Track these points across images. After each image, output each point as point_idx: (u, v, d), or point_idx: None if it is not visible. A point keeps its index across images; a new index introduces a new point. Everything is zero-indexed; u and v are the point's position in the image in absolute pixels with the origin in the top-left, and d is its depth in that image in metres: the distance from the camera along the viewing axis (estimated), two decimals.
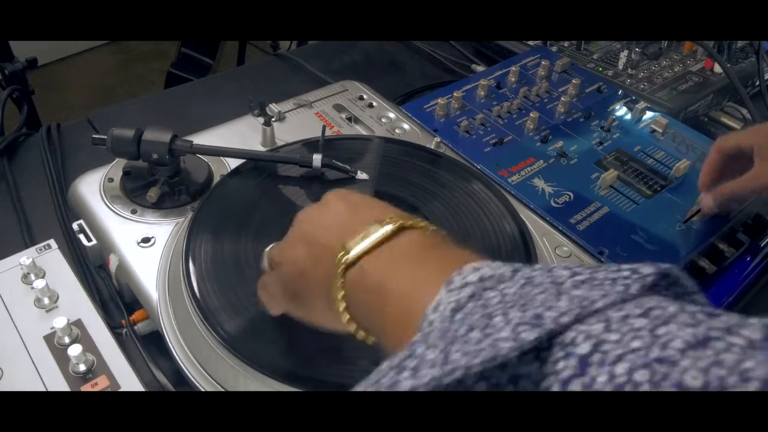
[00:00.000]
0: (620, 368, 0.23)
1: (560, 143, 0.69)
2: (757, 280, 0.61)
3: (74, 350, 0.44)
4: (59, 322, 0.46)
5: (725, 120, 0.83)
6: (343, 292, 0.35)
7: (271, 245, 0.43)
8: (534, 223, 0.59)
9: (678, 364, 0.22)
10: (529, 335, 0.25)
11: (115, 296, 0.56)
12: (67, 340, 0.46)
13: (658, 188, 0.65)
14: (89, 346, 0.46)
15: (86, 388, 0.43)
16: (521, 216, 0.57)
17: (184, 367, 0.46)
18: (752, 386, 0.20)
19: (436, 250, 0.34)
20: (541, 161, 0.67)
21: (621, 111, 0.75)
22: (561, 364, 0.24)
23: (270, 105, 0.70)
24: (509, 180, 0.64)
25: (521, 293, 0.28)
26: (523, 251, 0.53)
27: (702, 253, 0.60)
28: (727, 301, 0.58)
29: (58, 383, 0.44)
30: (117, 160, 0.61)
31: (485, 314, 0.27)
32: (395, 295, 0.32)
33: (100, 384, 0.44)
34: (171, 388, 0.49)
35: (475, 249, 0.35)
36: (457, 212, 0.57)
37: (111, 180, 0.60)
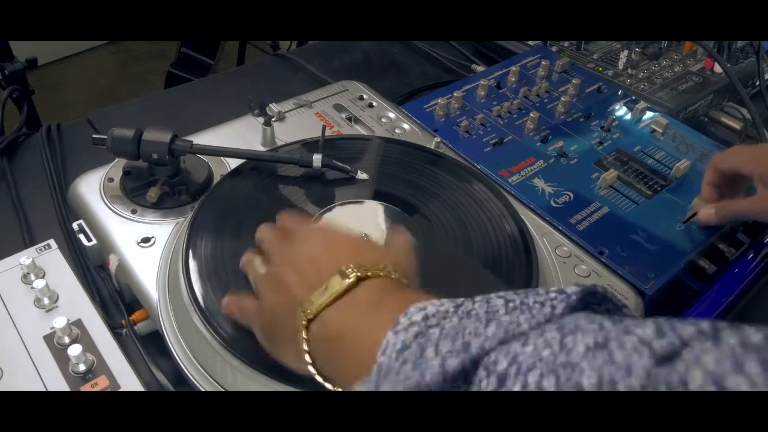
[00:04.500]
0: (531, 377, 0.25)
1: (560, 143, 0.69)
2: (757, 280, 0.61)
3: (74, 350, 0.43)
4: (59, 322, 0.46)
5: (725, 120, 0.83)
6: (305, 345, 0.37)
7: (248, 252, 0.46)
8: (534, 223, 0.59)
9: (577, 367, 0.25)
10: (454, 362, 0.28)
11: (115, 296, 0.56)
12: (67, 340, 0.46)
13: (658, 188, 0.65)
14: (89, 346, 0.46)
15: (86, 388, 0.43)
16: (521, 216, 0.57)
17: (184, 367, 0.46)
18: (635, 379, 0.23)
19: (391, 296, 0.36)
20: (541, 161, 0.67)
21: (621, 111, 0.75)
22: (483, 383, 0.27)
23: (270, 105, 0.70)
24: (509, 180, 0.64)
25: (459, 325, 0.30)
26: (523, 251, 0.54)
27: (702, 253, 0.60)
28: (727, 301, 0.58)
29: (58, 383, 0.44)
30: (117, 160, 0.61)
31: (420, 349, 0.29)
32: (353, 343, 0.35)
33: (100, 384, 0.43)
34: (171, 388, 0.49)
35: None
36: (457, 212, 0.57)
37: (111, 180, 0.60)
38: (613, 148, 0.69)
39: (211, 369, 0.45)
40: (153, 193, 0.57)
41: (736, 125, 0.82)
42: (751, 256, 0.62)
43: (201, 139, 0.60)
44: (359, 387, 0.31)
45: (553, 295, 0.30)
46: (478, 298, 0.32)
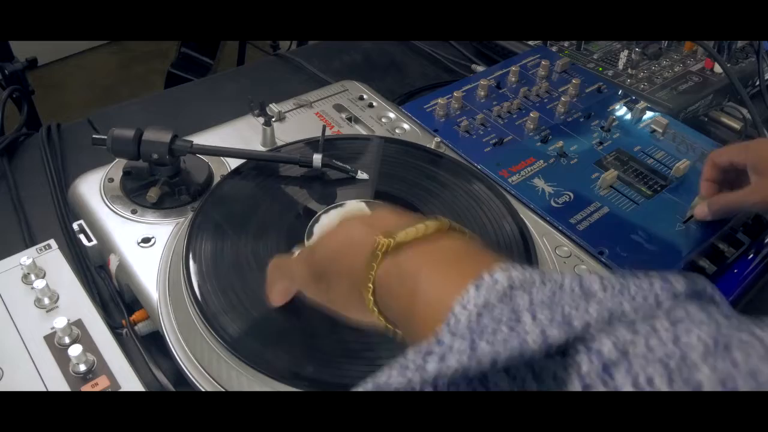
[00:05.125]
0: (638, 368, 0.23)
1: (560, 143, 0.69)
2: (757, 280, 0.61)
3: (74, 350, 0.44)
4: (59, 322, 0.46)
5: (725, 120, 0.83)
6: (372, 281, 0.34)
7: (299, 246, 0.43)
8: (534, 223, 0.59)
9: (694, 364, 0.23)
10: (555, 333, 0.25)
11: (115, 296, 0.56)
12: (67, 340, 0.46)
13: (658, 188, 0.65)
14: (89, 346, 0.46)
15: (86, 388, 0.43)
16: (521, 216, 0.57)
17: (184, 367, 0.46)
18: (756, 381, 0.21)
19: (472, 253, 0.35)
20: (541, 161, 0.67)
21: (621, 111, 0.75)
22: (585, 367, 0.24)
23: (270, 105, 0.70)
24: (509, 180, 0.64)
25: (551, 298, 0.28)
26: (523, 251, 0.53)
27: (702, 253, 0.60)
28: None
29: (58, 383, 0.44)
30: (117, 160, 0.61)
31: (514, 313, 0.27)
32: (426, 289, 0.32)
33: (101, 384, 0.44)
34: (171, 388, 0.49)
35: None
36: (457, 212, 0.57)
37: (111, 180, 0.60)
38: (613, 148, 0.69)
39: (211, 369, 0.45)
40: (153, 193, 0.57)
41: (736, 125, 0.82)
42: (752, 256, 0.62)
43: (201, 139, 0.60)
44: (444, 336, 0.28)
45: (658, 284, 0.28)
46: (567, 274, 0.30)
